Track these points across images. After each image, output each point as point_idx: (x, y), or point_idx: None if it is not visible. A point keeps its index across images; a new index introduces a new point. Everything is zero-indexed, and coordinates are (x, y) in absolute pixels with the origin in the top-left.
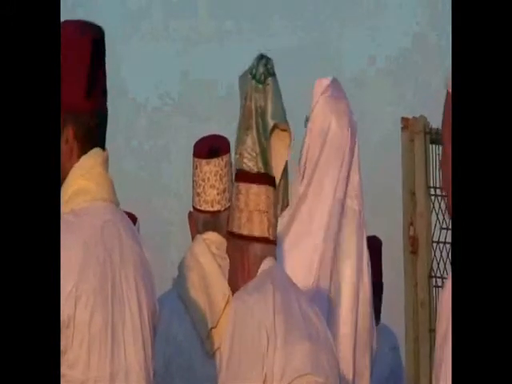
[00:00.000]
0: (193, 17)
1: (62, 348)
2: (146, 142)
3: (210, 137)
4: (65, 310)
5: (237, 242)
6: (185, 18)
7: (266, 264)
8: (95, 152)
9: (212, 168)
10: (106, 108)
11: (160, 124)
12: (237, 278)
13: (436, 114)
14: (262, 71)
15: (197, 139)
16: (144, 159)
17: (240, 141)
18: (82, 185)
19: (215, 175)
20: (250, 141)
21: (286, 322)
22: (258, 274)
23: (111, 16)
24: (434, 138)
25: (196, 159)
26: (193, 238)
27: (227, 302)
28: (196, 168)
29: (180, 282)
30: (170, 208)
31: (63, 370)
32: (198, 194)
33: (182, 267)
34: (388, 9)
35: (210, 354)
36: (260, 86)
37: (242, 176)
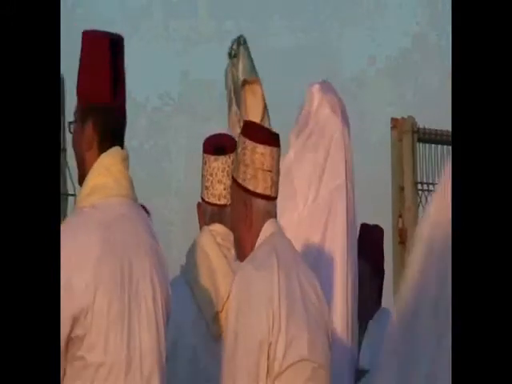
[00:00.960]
0: (193, 17)
1: (80, 333)
2: (146, 141)
3: (218, 135)
4: (84, 300)
5: (241, 193)
6: (185, 17)
7: (269, 228)
8: (114, 150)
9: (219, 165)
10: (125, 110)
11: (160, 124)
12: (240, 229)
13: (435, 114)
14: (235, 47)
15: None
16: (144, 159)
17: (228, 118)
18: (100, 181)
19: (222, 171)
20: (234, 114)
21: (288, 307)
22: (262, 241)
23: (111, 16)
24: (421, 136)
25: (205, 155)
26: (201, 226)
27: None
28: (205, 163)
29: (187, 269)
30: (171, 208)
31: (82, 353)
32: (207, 188)
33: (189, 256)
34: (388, 9)
35: (216, 337)
36: (235, 59)
37: (249, 132)
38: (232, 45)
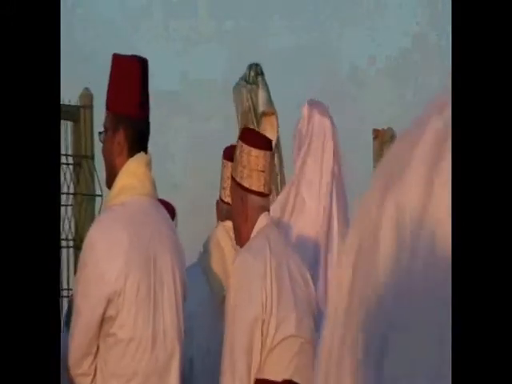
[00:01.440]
0: (193, 17)
1: (113, 313)
2: None
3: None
4: (117, 285)
5: (239, 190)
6: (185, 17)
7: (263, 220)
8: (140, 155)
9: (231, 174)
10: (149, 121)
11: (160, 124)
12: (238, 220)
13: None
14: (253, 74)
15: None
16: None
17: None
18: (127, 182)
19: None
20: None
21: (278, 290)
22: (257, 232)
23: (111, 16)
24: None
25: (224, 161)
26: (218, 220)
27: None
28: (224, 167)
29: (203, 257)
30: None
31: (115, 330)
32: (224, 188)
33: (206, 246)
34: (388, 9)
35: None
36: (254, 86)
37: (246, 137)
38: (249, 71)
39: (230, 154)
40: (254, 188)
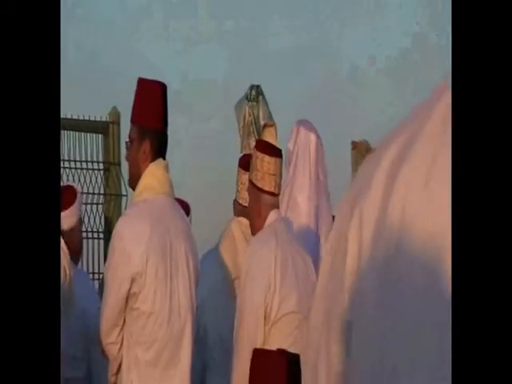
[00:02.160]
0: (193, 17)
1: (136, 290)
2: None
3: (249, 155)
4: (139, 265)
5: (254, 190)
6: (185, 17)
7: (273, 216)
8: (159, 160)
9: (248, 177)
10: (167, 132)
11: None
12: (253, 216)
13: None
14: (255, 93)
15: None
16: None
17: (244, 143)
18: (149, 183)
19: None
20: (253, 143)
21: (282, 273)
22: (266, 225)
23: (111, 16)
24: None
25: (239, 168)
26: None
27: None
28: (238, 174)
29: (219, 246)
30: None
31: (138, 305)
32: (238, 191)
33: (222, 236)
34: (388, 9)
35: (235, 296)
36: (254, 103)
37: (260, 146)
38: (250, 91)
39: (244, 161)
40: (266, 188)
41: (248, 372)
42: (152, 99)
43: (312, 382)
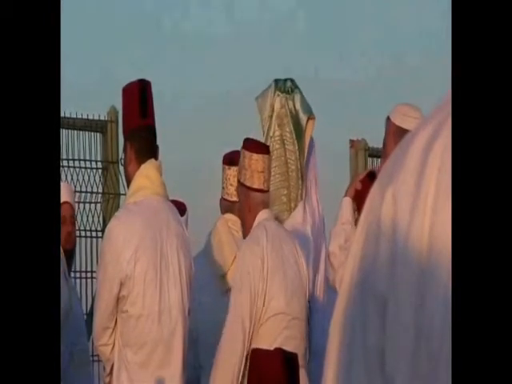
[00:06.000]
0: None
1: (125, 293)
2: None
3: (233, 151)
4: (128, 268)
5: (243, 189)
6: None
7: (263, 214)
8: (150, 161)
9: (231, 172)
10: (155, 130)
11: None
12: (243, 214)
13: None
14: (290, 85)
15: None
16: None
17: (271, 134)
18: (141, 183)
19: (234, 177)
20: (288, 134)
21: (271, 272)
22: (257, 224)
23: (111, 16)
24: (371, 153)
25: (223, 165)
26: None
27: (234, 258)
28: (223, 171)
29: (207, 243)
30: None
31: (127, 307)
32: (223, 188)
33: (210, 234)
34: (388, 9)
35: (224, 292)
36: (289, 95)
37: (247, 145)
38: (285, 82)
39: (228, 158)
40: (255, 186)
41: (226, 378)
42: (129, 100)
43: (345, 360)
